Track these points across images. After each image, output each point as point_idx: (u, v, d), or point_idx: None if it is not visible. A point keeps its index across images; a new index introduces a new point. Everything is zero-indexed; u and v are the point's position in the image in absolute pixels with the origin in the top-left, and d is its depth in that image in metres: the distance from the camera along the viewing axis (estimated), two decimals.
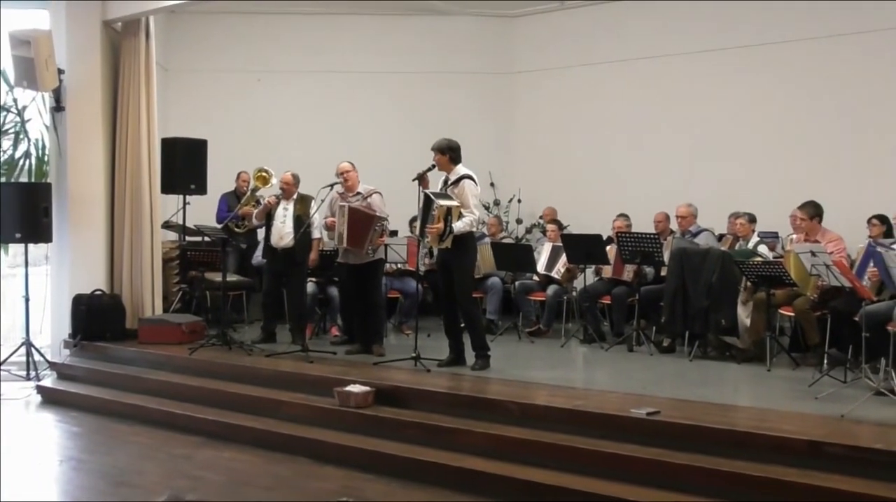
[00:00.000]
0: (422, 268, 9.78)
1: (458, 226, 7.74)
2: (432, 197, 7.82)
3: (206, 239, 10.55)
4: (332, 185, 8.82)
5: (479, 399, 7.02)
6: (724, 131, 11.34)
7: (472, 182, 8.01)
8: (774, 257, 8.83)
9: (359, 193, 8.89)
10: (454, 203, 7.77)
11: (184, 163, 10.12)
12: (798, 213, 8.67)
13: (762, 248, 9.27)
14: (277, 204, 9.28)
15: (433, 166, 8.05)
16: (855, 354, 7.40)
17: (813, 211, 8.54)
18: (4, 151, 10.31)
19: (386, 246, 9.12)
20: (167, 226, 10.59)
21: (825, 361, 7.74)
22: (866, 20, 10.34)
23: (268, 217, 9.34)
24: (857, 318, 7.19)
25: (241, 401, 7.88)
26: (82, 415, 8.34)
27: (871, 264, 7.08)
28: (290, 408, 7.52)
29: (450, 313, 8.21)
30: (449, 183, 7.96)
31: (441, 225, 7.67)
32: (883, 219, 8.92)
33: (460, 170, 8.04)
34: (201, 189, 10.28)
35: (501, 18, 13.07)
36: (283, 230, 9.20)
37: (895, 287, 6.71)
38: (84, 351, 9.73)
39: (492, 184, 11.72)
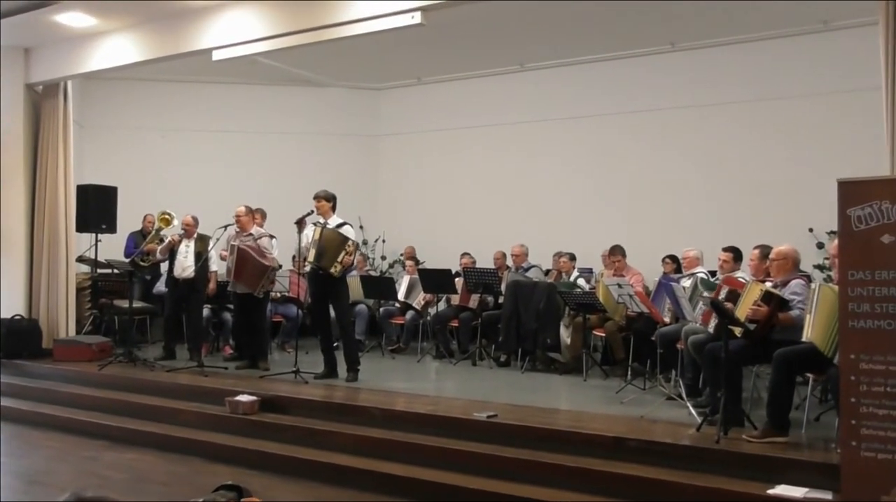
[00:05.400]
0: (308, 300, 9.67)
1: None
2: (347, 235, 7.82)
3: (115, 271, 10.38)
4: (225, 227, 8.68)
5: (348, 405, 6.96)
6: (550, 185, 11.57)
7: (351, 227, 8.06)
8: (590, 289, 9.02)
9: (250, 234, 8.75)
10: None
11: (96, 207, 9.92)
12: (609, 254, 8.98)
13: (581, 281, 9.49)
14: (180, 241, 9.09)
15: (312, 211, 8.01)
16: (652, 367, 7.61)
17: (621, 251, 8.88)
18: None
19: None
20: (81, 260, 10.28)
21: (629, 373, 7.94)
22: (634, 101, 10.86)
23: (171, 253, 9.14)
24: (653, 338, 7.44)
25: (143, 410, 7.60)
26: (1, 424, 7.91)
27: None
28: (187, 416, 7.30)
29: (325, 334, 8.16)
30: (328, 227, 7.86)
31: (353, 257, 7.99)
32: (674, 258, 9.15)
33: (337, 217, 8.03)
34: (111, 228, 10.10)
35: (369, 90, 13.13)
36: (185, 263, 9.03)
37: (682, 313, 6.93)
38: (3, 368, 9.22)
39: (361, 227, 11.67)
